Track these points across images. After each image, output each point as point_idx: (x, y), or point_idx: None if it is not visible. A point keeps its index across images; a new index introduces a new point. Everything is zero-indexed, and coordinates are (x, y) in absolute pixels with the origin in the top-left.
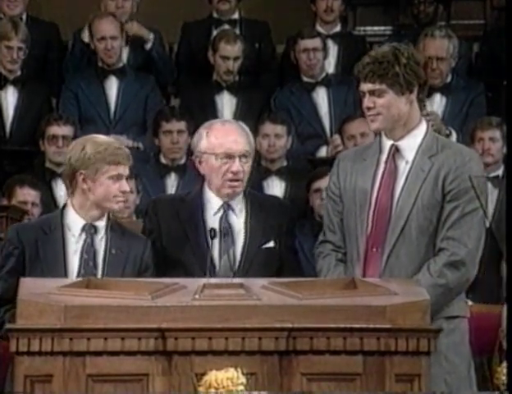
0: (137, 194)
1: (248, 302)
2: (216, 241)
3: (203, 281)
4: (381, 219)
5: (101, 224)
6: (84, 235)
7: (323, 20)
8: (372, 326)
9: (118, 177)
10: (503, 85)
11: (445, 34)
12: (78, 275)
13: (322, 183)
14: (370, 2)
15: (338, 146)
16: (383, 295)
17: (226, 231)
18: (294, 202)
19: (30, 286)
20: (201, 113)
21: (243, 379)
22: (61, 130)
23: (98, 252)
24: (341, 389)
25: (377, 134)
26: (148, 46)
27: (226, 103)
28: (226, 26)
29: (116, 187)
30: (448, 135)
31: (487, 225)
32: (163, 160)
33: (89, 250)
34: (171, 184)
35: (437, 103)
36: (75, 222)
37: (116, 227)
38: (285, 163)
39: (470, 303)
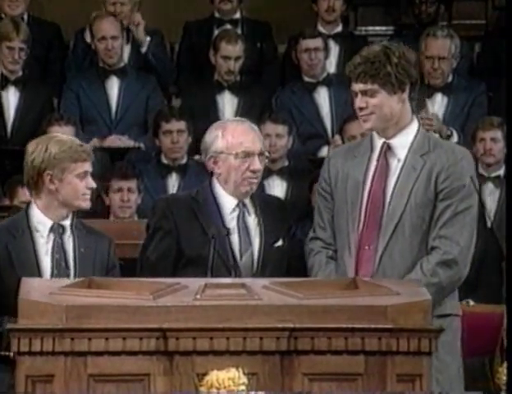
0: (138, 194)
1: (249, 302)
2: (236, 240)
3: (205, 281)
4: (373, 217)
5: (67, 223)
6: (52, 236)
7: (325, 20)
8: (373, 326)
9: (85, 174)
10: (504, 85)
11: (447, 34)
12: (52, 276)
13: None
14: (371, 2)
15: (339, 147)
16: (385, 295)
17: (244, 230)
18: (296, 202)
19: (32, 286)
20: (202, 113)
21: (244, 379)
22: (62, 130)
23: (68, 251)
24: (343, 389)
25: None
26: (144, 49)
27: (228, 102)
28: (228, 26)
29: (83, 185)
30: (449, 136)
31: (489, 225)
32: (164, 160)
33: (59, 250)
34: (173, 184)
35: (438, 102)
36: (42, 222)
37: (79, 226)
38: (286, 163)
39: (472, 303)
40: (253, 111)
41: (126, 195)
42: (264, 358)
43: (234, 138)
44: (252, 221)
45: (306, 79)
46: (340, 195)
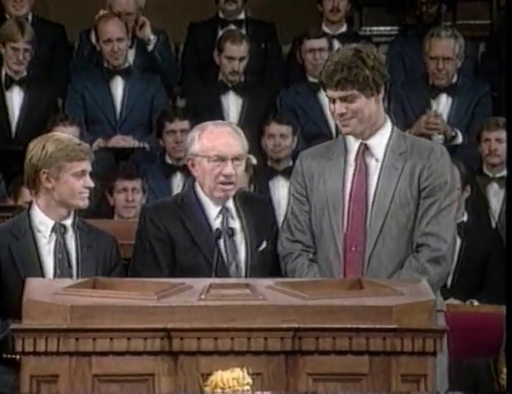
0: (143, 194)
1: (254, 302)
2: (222, 247)
3: (209, 281)
4: (357, 218)
5: (69, 222)
6: (54, 236)
7: (329, 21)
8: (378, 326)
9: (82, 173)
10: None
11: (451, 34)
12: (54, 276)
13: None
14: (376, 3)
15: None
16: (389, 295)
17: (229, 236)
18: None
19: (36, 286)
20: (207, 113)
21: (249, 379)
22: (67, 130)
23: (70, 251)
24: (347, 389)
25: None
26: (150, 48)
27: (232, 103)
28: (232, 26)
29: (80, 184)
30: (454, 137)
31: (493, 225)
32: (169, 160)
33: (61, 250)
34: (177, 183)
35: (443, 103)
36: (43, 222)
37: (81, 225)
38: (290, 163)
39: (476, 303)
40: (258, 111)
41: (131, 195)
42: (269, 358)
43: (208, 141)
44: (236, 226)
45: (310, 79)
46: (318, 198)
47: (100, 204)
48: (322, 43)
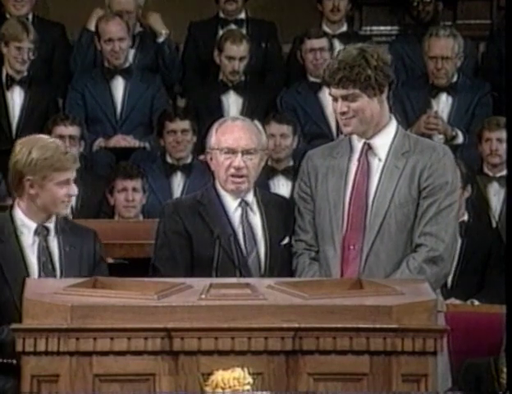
0: (143, 194)
1: (254, 302)
2: (241, 240)
3: (210, 280)
4: (356, 217)
5: (51, 225)
6: (37, 238)
7: (330, 20)
8: (378, 326)
9: (66, 182)
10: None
11: (450, 34)
12: (39, 278)
13: None
14: (376, 2)
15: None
16: (389, 295)
17: (248, 229)
18: None
19: (36, 286)
20: (207, 113)
21: (249, 379)
22: (67, 130)
23: (53, 253)
24: (348, 389)
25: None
26: (161, 39)
27: (233, 102)
28: (233, 26)
29: (63, 192)
30: (454, 136)
31: (494, 225)
32: (169, 160)
33: (44, 253)
34: (178, 183)
35: (443, 102)
36: (26, 225)
37: (63, 224)
38: (291, 163)
39: (477, 303)
40: (258, 111)
41: (131, 195)
42: (269, 358)
43: (221, 134)
44: (256, 220)
45: (311, 79)
46: (321, 196)
47: (101, 204)
48: (322, 42)
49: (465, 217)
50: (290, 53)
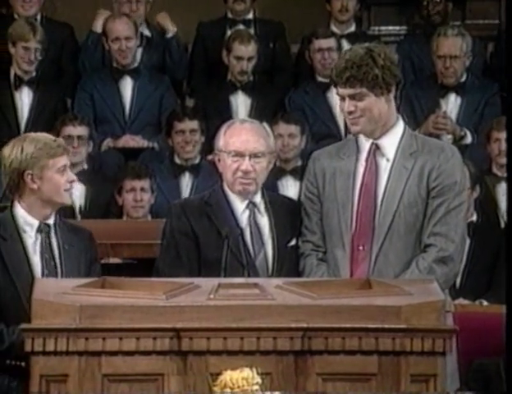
0: (151, 194)
1: (263, 302)
2: (248, 241)
3: (218, 280)
4: (365, 217)
5: (51, 222)
6: (40, 236)
7: (338, 20)
8: (387, 326)
9: (64, 168)
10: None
11: (458, 33)
12: (42, 276)
13: None
14: (385, 2)
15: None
16: (398, 295)
17: (256, 230)
18: None
19: (45, 286)
20: (216, 113)
21: (258, 379)
22: (76, 130)
23: (54, 250)
24: (356, 389)
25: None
26: (170, 35)
27: (241, 103)
28: (241, 26)
29: (64, 179)
30: (463, 136)
31: (502, 225)
32: (177, 160)
33: (47, 250)
34: (186, 183)
35: (452, 102)
36: (28, 223)
37: (61, 224)
38: (299, 163)
39: (485, 303)
40: (267, 111)
41: (139, 195)
42: (278, 358)
43: (229, 137)
44: (264, 221)
45: (319, 79)
46: (328, 197)
47: (109, 204)
48: (330, 42)
49: (474, 218)
50: (298, 53)
